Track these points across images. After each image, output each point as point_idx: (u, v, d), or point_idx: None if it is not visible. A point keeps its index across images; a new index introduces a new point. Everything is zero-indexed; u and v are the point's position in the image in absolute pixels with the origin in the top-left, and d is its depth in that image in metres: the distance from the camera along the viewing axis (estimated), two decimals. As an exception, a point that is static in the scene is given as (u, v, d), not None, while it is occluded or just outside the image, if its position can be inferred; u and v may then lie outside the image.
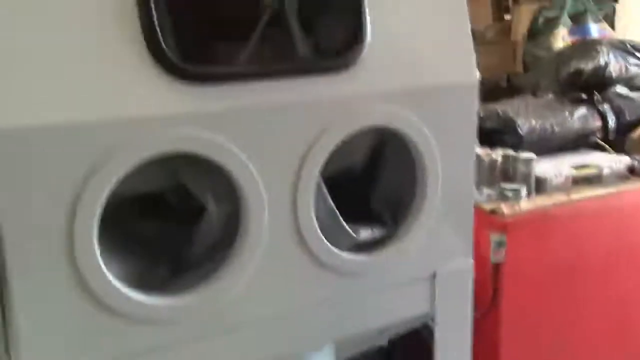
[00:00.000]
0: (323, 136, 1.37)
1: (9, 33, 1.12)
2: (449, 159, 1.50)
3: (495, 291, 2.34)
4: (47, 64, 1.15)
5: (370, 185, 1.57)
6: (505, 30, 3.52)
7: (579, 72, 2.84)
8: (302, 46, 1.37)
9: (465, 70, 1.51)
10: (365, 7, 1.37)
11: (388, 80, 1.42)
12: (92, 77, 1.18)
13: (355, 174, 1.56)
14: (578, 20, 3.23)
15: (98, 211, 1.21)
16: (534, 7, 3.27)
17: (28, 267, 1.19)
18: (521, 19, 3.35)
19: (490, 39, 3.48)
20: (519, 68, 3.46)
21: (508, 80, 3.26)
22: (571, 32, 3.18)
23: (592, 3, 3.25)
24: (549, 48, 3.17)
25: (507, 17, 3.86)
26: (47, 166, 1.16)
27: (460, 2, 1.49)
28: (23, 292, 1.19)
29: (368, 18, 1.37)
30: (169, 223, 1.41)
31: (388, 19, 1.41)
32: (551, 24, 3.17)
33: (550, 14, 3.21)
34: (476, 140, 1.57)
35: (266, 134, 1.32)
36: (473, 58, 1.51)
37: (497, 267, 2.33)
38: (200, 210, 1.37)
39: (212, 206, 1.34)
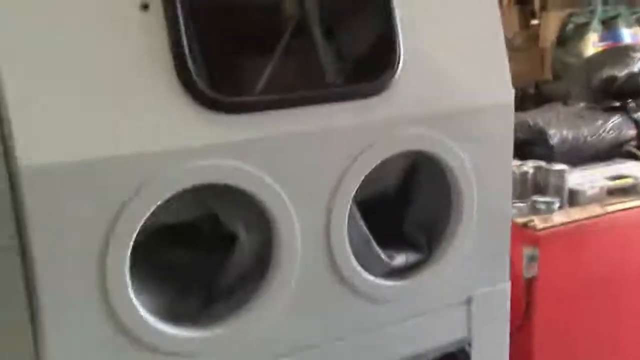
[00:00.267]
0: (356, 162, 1.34)
1: (43, 72, 1.11)
2: (485, 182, 1.46)
3: (528, 305, 2.29)
4: (78, 101, 1.14)
5: (403, 208, 1.53)
6: (533, 37, 3.45)
7: (611, 79, 2.78)
8: (333, 71, 1.34)
9: (501, 90, 1.47)
10: (398, 29, 1.34)
11: (422, 103, 1.39)
12: (124, 110, 1.17)
13: (388, 196, 1.53)
14: (609, 25, 3.16)
15: (130, 244, 1.19)
16: (563, 13, 3.21)
17: (60, 299, 1.17)
18: (549, 26, 3.29)
19: (518, 46, 3.42)
20: (548, 75, 3.40)
21: (537, 87, 3.20)
22: (602, 37, 3.11)
23: (624, 7, 3.18)
24: (579, 55, 3.11)
25: (534, 22, 3.80)
26: (80, 200, 1.15)
27: (495, 20, 1.45)
28: (55, 323, 1.18)
29: (401, 40, 1.34)
30: (200, 251, 1.39)
31: (421, 40, 1.38)
32: (581, 30, 3.10)
33: (580, 19, 3.14)
34: (512, 160, 1.52)
35: (299, 161, 1.30)
36: (508, 76, 1.47)
37: (530, 281, 2.29)
38: (231, 238, 1.35)
39: (243, 235, 1.31)
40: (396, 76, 1.35)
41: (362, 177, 1.35)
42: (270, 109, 1.27)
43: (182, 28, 1.20)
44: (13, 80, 1.10)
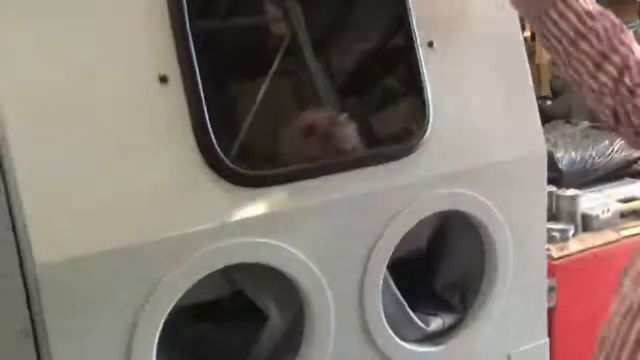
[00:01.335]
0: (388, 228, 1.27)
1: (58, 161, 1.04)
2: (520, 236, 1.40)
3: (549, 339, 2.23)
4: (95, 188, 1.06)
5: (435, 266, 1.47)
6: (528, 52, 3.40)
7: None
8: (362, 135, 1.27)
9: (532, 141, 1.41)
10: (428, 91, 1.27)
11: (452, 161, 1.33)
12: (145, 194, 1.11)
13: (419, 255, 1.46)
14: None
15: (157, 333, 1.12)
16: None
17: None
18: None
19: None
20: (545, 92, 3.35)
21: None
22: (600, 53, 3.06)
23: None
24: (579, 71, 3.05)
25: (526, 34, 3.73)
26: (103, 293, 1.09)
27: (524, 70, 1.40)
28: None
29: (431, 101, 1.27)
30: (227, 328, 1.32)
31: (450, 97, 1.32)
32: (579, 46, 3.05)
33: (578, 35, 3.08)
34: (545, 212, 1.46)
35: (329, 232, 1.24)
36: (539, 126, 1.42)
37: (549, 312, 2.22)
38: (260, 312, 1.28)
39: (274, 313, 1.24)
40: (426, 136, 1.28)
41: (395, 243, 1.28)
42: (297, 179, 1.20)
43: (203, 101, 1.12)
44: (27, 170, 1.02)
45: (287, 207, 1.18)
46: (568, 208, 2.39)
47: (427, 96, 1.28)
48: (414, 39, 1.28)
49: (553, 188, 2.44)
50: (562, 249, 2.27)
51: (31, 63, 1.04)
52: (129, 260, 1.07)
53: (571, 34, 1.23)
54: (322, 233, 1.22)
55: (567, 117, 2.90)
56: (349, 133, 1.29)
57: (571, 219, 2.38)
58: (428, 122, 1.29)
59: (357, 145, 1.27)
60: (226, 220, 1.14)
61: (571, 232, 2.31)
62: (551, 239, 2.30)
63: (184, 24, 1.10)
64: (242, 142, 1.22)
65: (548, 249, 2.25)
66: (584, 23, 1.22)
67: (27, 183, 1.01)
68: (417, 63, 1.28)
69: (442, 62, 1.32)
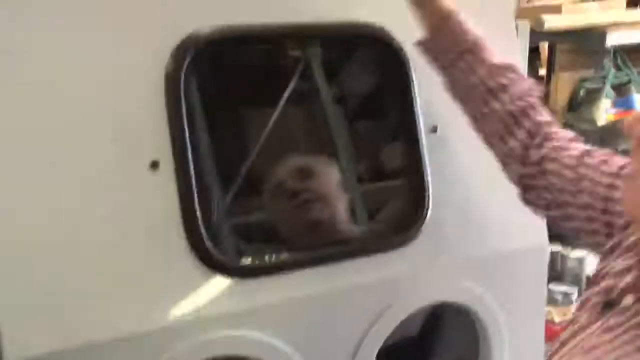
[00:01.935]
0: (380, 320, 1.23)
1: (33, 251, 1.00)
2: (517, 329, 1.35)
3: (546, 405, 2.17)
4: (76, 277, 1.02)
5: (429, 353, 1.42)
6: (542, 99, 3.34)
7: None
8: (360, 225, 1.23)
9: (534, 231, 1.36)
10: (429, 177, 1.23)
11: (451, 252, 1.28)
12: (126, 284, 1.06)
13: (411, 342, 1.42)
14: (621, 91, 3.06)
15: None
16: (575, 74, 3.10)
17: None
18: (559, 89, 3.18)
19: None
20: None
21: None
22: (615, 104, 3.01)
23: (635, 73, 3.08)
24: (592, 121, 3.00)
25: (541, 72, 3.68)
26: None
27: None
28: None
29: (432, 188, 1.23)
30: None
31: (451, 185, 1.28)
32: (593, 96, 3.00)
33: (592, 85, 3.04)
34: (545, 304, 1.42)
35: (316, 325, 1.19)
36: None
37: (547, 379, 2.17)
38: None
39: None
40: (424, 225, 1.24)
41: (385, 336, 1.24)
42: (285, 270, 1.16)
43: (194, 188, 1.09)
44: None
45: (273, 299, 1.14)
46: (574, 270, 2.34)
47: (428, 183, 1.24)
48: (418, 123, 1.24)
49: (558, 247, 2.39)
50: (564, 314, 2.22)
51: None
52: (108, 354, 1.03)
53: (481, 88, 1.11)
54: (308, 326, 1.18)
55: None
56: (327, 184, 1.24)
57: (576, 281, 2.33)
58: (427, 211, 1.24)
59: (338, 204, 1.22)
60: (211, 312, 1.10)
61: (574, 296, 2.26)
62: (553, 301, 2.25)
63: (180, 111, 1.07)
64: (231, 231, 1.18)
65: (550, 313, 2.20)
66: (494, 78, 1.11)
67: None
68: (419, 148, 1.24)
69: (445, 148, 1.27)
